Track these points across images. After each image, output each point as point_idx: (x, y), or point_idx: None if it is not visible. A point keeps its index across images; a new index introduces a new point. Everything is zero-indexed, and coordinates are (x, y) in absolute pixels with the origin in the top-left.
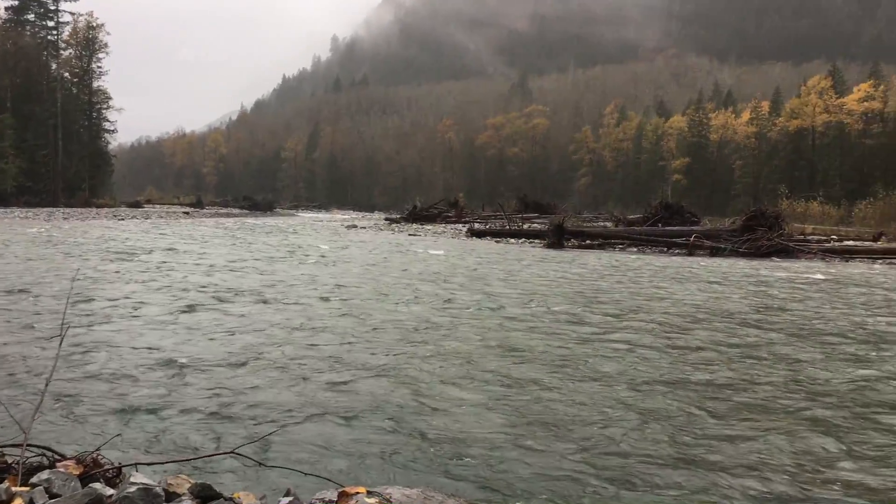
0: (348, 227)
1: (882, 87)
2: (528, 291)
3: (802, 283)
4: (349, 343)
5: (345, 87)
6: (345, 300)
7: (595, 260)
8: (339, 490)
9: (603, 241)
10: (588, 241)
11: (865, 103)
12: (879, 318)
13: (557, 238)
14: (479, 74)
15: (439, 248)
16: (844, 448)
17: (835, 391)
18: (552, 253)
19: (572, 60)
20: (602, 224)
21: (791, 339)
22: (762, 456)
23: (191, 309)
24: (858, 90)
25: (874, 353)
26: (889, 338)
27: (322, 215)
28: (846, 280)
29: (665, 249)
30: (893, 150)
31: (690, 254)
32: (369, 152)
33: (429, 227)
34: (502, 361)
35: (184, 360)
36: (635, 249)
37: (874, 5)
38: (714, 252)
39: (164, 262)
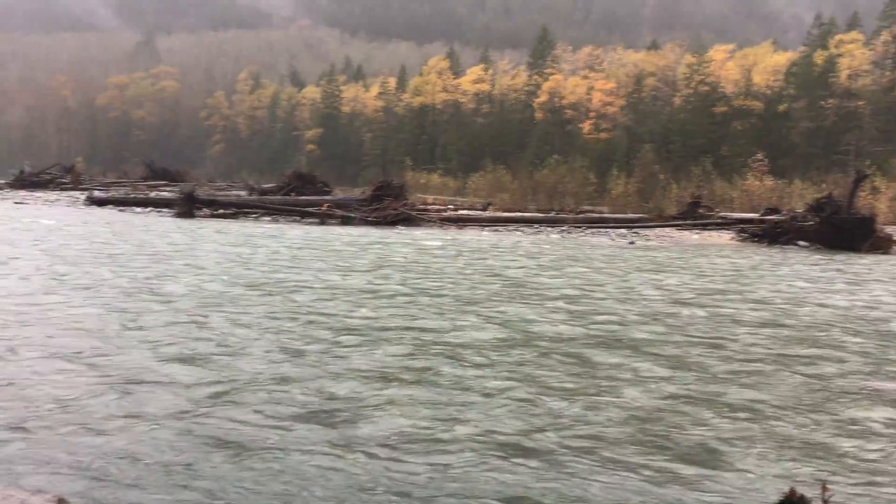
0: None
1: (490, 71)
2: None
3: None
4: None
5: None
6: None
7: (224, 228)
8: None
9: (237, 210)
10: (221, 211)
11: (477, 85)
12: (358, 276)
13: (188, 207)
14: (96, 29)
15: (51, 217)
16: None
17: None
18: (180, 222)
19: (203, 22)
20: (236, 193)
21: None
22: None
23: None
24: (472, 72)
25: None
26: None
27: None
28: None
29: (299, 219)
30: (500, 129)
31: (323, 223)
32: None
33: (40, 194)
34: None
35: None
36: (269, 219)
37: None
38: (345, 221)
39: None
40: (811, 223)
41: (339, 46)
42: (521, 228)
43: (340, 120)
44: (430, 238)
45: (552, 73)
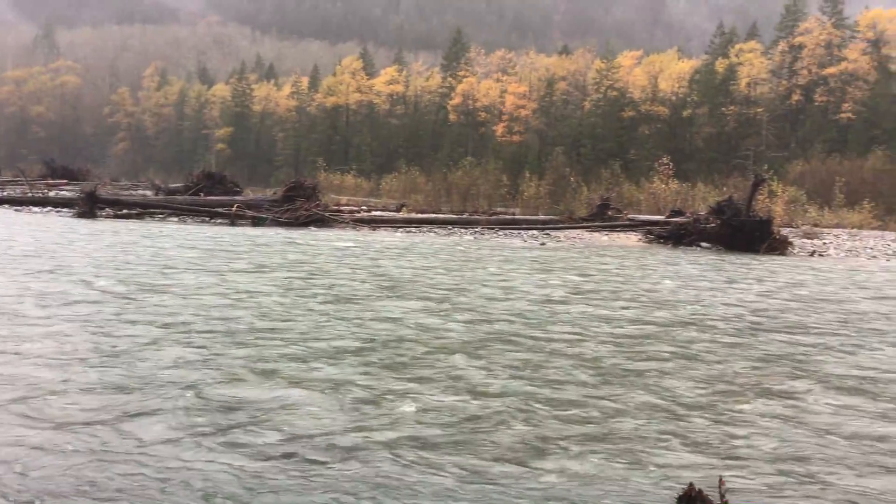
0: None
1: (405, 72)
2: None
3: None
4: None
5: None
6: None
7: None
8: None
9: (142, 210)
10: (125, 211)
11: (391, 86)
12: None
13: (89, 207)
14: None
15: None
16: None
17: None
18: (79, 223)
19: (106, 15)
20: (142, 193)
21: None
22: None
23: None
24: (385, 73)
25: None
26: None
27: None
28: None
29: (208, 219)
30: (414, 131)
31: (233, 224)
32: None
33: None
34: None
35: None
36: (176, 220)
37: None
38: (256, 222)
39: None
40: (713, 225)
41: (249, 44)
42: (435, 230)
43: (252, 119)
44: (340, 239)
45: (466, 76)
